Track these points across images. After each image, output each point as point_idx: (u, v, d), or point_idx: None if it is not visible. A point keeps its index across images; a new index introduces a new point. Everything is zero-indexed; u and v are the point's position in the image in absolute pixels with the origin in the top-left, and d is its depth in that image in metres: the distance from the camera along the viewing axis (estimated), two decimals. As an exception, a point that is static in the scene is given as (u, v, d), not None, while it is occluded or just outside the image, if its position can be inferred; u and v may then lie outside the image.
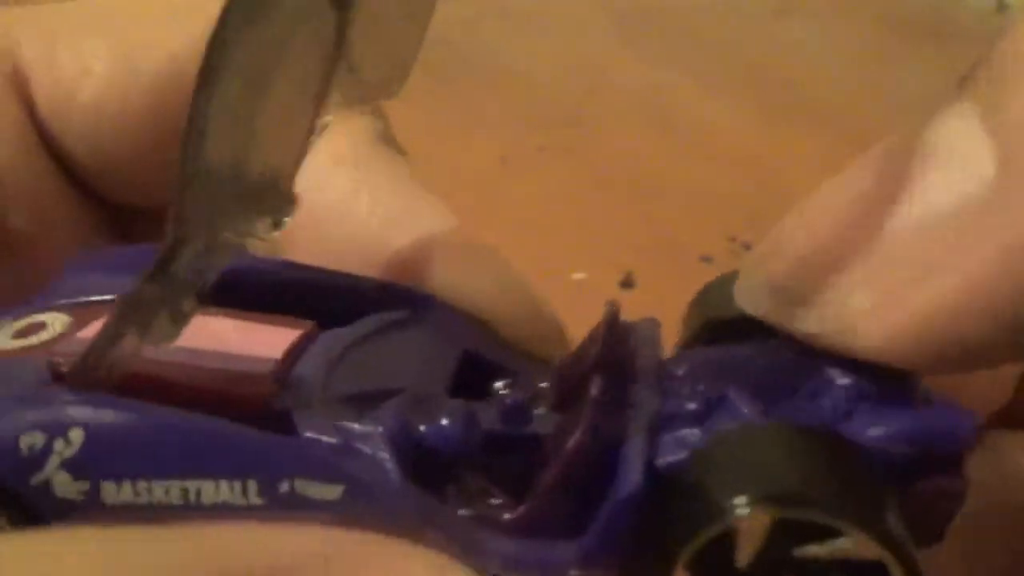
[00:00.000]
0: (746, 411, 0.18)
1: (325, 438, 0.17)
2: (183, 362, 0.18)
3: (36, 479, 0.17)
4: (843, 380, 0.18)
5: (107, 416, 0.17)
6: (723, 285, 0.21)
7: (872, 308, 0.18)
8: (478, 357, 0.20)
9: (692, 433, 0.18)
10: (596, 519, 0.17)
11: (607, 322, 0.19)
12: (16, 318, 0.20)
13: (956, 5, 0.58)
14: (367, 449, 0.17)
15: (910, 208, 0.17)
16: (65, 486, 0.17)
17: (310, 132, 0.18)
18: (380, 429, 0.17)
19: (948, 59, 0.53)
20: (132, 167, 0.24)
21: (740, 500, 0.16)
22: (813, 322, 0.18)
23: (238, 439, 0.17)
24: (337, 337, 0.20)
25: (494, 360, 0.20)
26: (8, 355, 0.19)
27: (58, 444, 0.17)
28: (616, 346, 0.19)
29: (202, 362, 0.18)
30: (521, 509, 0.17)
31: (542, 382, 0.20)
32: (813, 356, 0.18)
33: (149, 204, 0.25)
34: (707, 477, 0.17)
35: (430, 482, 0.18)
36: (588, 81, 0.52)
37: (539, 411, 0.19)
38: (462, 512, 0.17)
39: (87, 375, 0.18)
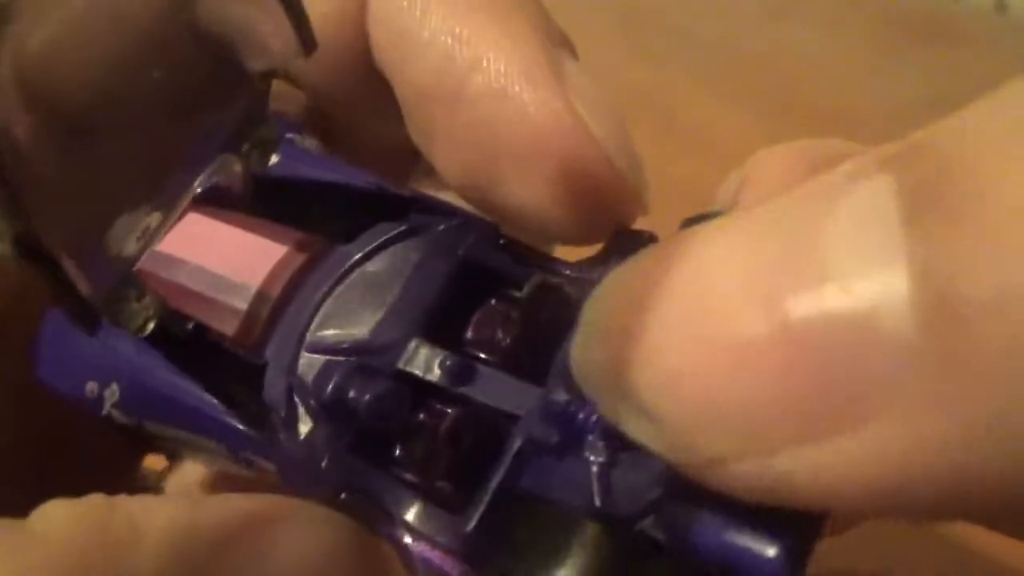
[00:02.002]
0: (592, 471, 0.16)
1: (280, 411, 0.19)
2: (176, 282, 0.20)
3: (104, 411, 0.21)
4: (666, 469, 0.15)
5: (131, 374, 0.20)
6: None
7: (744, 451, 0.13)
8: (479, 264, 0.20)
9: (546, 467, 0.17)
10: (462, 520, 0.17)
11: (529, 297, 0.19)
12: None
13: (955, 5, 0.58)
14: (301, 425, 0.19)
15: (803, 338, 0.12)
16: (121, 418, 0.21)
17: None
18: (319, 398, 0.18)
19: (947, 59, 0.53)
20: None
21: None
22: (662, 444, 0.14)
23: (209, 410, 0.19)
24: (337, 259, 0.21)
25: (495, 266, 0.20)
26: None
27: (107, 392, 0.21)
28: (536, 321, 0.19)
29: (192, 284, 0.20)
30: (430, 478, 0.18)
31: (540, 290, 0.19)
32: None
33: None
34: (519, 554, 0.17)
35: (375, 447, 0.18)
36: (588, 81, 0.52)
37: (488, 370, 0.19)
38: (400, 474, 0.18)
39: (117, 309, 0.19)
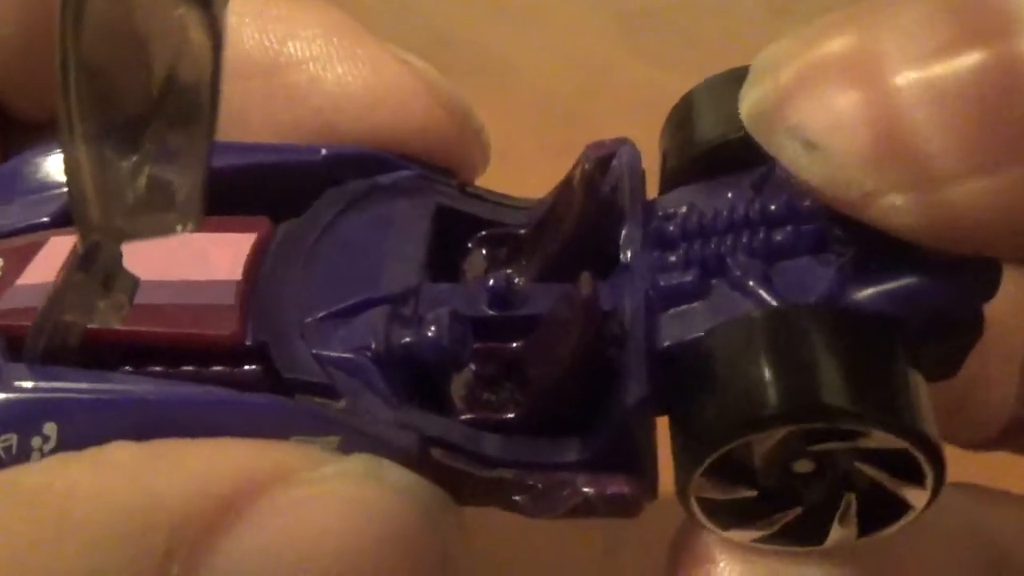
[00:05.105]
0: (750, 284, 0.17)
1: (313, 378, 0.17)
2: (144, 303, 0.17)
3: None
4: (844, 237, 0.17)
5: (77, 404, 0.16)
6: (704, 100, 0.22)
7: (913, 187, 0.14)
8: (451, 210, 0.20)
9: (692, 310, 0.17)
10: (601, 423, 0.16)
11: (585, 185, 0.19)
12: None
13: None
14: (356, 382, 0.17)
15: (997, 72, 0.14)
16: None
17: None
18: (366, 355, 0.17)
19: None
20: (15, 77, 0.23)
21: (765, 413, 0.15)
22: (833, 184, 0.15)
23: (222, 407, 0.16)
24: (295, 233, 0.19)
25: (468, 211, 0.20)
26: None
27: (35, 442, 0.16)
28: (595, 199, 0.19)
29: (163, 298, 0.17)
30: (521, 407, 0.17)
31: (519, 229, 0.20)
32: (812, 200, 0.17)
33: (40, 115, 0.24)
34: (722, 379, 0.16)
35: (422, 391, 0.17)
36: (588, 80, 0.52)
37: (521, 282, 0.19)
38: (463, 417, 0.17)
39: (43, 346, 0.17)
